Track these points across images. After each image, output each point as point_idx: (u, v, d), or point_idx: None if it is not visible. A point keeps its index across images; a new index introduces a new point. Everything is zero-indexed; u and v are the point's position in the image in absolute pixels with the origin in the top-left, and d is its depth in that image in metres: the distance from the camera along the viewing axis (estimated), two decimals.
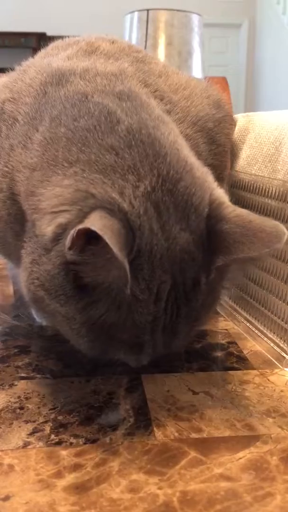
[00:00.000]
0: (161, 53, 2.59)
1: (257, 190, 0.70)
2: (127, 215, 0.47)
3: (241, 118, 0.77)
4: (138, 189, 0.49)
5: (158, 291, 0.49)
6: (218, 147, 0.71)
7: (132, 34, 2.70)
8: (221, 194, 0.54)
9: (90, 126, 0.53)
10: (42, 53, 0.72)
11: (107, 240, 0.42)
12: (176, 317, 0.50)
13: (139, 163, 0.50)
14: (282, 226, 0.47)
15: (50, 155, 0.53)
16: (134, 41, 2.66)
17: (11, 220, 0.60)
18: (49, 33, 5.51)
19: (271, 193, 0.66)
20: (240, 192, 0.74)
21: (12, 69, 0.71)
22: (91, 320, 0.49)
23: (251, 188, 0.71)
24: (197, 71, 2.65)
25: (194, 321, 0.52)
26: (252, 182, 0.71)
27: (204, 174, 0.56)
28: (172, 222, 0.50)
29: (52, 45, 0.72)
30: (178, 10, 2.59)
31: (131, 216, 0.47)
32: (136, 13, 2.68)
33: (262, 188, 0.68)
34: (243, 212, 0.51)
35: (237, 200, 0.76)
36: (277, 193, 0.65)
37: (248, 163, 0.72)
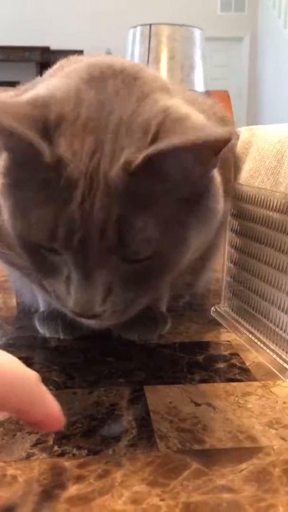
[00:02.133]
0: (163, 67, 2.61)
1: (259, 203, 0.70)
2: (51, 93, 0.50)
3: (244, 132, 0.78)
4: (82, 79, 0.52)
5: (79, 152, 0.48)
6: (223, 161, 0.72)
7: (134, 48, 2.73)
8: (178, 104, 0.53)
9: (90, 60, 0.58)
10: (49, 72, 0.73)
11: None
12: (94, 196, 0.47)
13: (101, 65, 0.54)
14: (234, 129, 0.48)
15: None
16: (136, 55, 2.69)
17: None
18: (53, 47, 5.57)
19: (273, 205, 0.67)
20: (243, 204, 0.75)
21: (17, 83, 0.72)
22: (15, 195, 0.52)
23: (254, 200, 0.72)
24: (199, 85, 2.67)
25: (117, 221, 0.48)
26: (254, 194, 0.72)
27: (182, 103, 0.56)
28: (117, 100, 0.50)
29: (58, 65, 0.73)
30: (180, 25, 2.62)
31: (55, 93, 0.50)
32: (138, 28, 2.71)
33: (264, 201, 0.69)
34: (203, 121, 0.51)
35: (240, 212, 0.77)
36: (279, 206, 0.66)
37: (251, 175, 0.73)
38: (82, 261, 0.49)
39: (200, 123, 0.51)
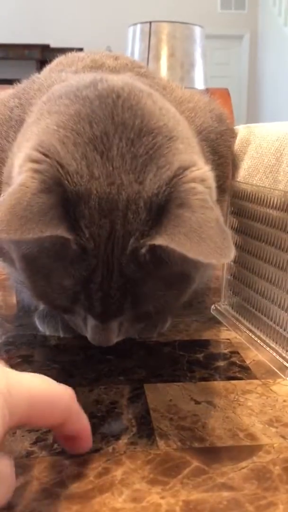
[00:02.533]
0: (163, 65, 2.61)
1: (258, 200, 0.70)
2: (61, 160, 0.48)
3: (242, 130, 0.78)
4: (83, 136, 0.49)
5: (98, 238, 0.49)
6: (220, 158, 0.72)
7: (135, 46, 2.72)
8: (200, 175, 0.50)
9: (81, 82, 0.55)
10: (47, 69, 0.73)
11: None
12: (111, 275, 0.50)
13: (100, 115, 0.50)
14: (233, 251, 0.45)
15: (40, 109, 0.57)
16: (137, 53, 2.68)
17: None
18: (53, 45, 5.57)
19: (273, 203, 0.67)
20: (242, 202, 0.75)
21: (17, 81, 0.72)
22: (30, 265, 0.53)
23: (253, 198, 0.72)
24: (199, 82, 2.67)
25: (131, 294, 0.52)
26: (253, 192, 0.71)
27: (190, 147, 0.54)
28: (124, 170, 0.48)
29: (56, 61, 0.73)
30: (180, 23, 2.62)
31: (64, 160, 0.48)
32: (139, 25, 2.71)
33: (263, 198, 0.69)
34: (210, 215, 0.48)
35: (239, 210, 0.77)
36: (278, 203, 0.65)
37: (249, 173, 0.73)
38: (99, 318, 0.54)
39: (204, 220, 0.47)
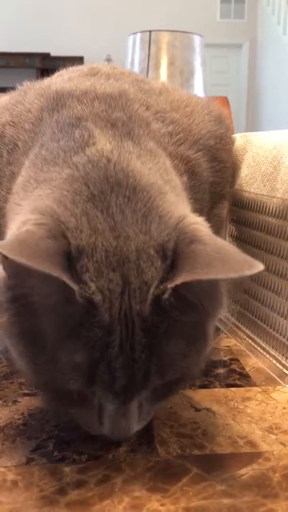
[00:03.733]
0: (163, 73, 2.62)
1: (257, 208, 0.71)
2: (59, 217, 0.46)
3: (238, 138, 0.78)
4: (80, 195, 0.48)
5: (108, 292, 0.44)
6: (219, 163, 0.72)
7: (134, 55, 2.74)
8: (199, 220, 0.50)
9: (66, 147, 0.54)
10: (47, 80, 0.73)
11: (22, 261, 0.40)
12: (132, 334, 0.44)
13: (94, 176, 0.50)
14: (257, 261, 0.44)
15: (26, 177, 0.55)
16: (136, 62, 2.70)
17: None
18: (54, 53, 5.59)
19: (271, 211, 0.67)
20: (240, 210, 0.75)
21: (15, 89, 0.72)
22: (28, 336, 0.46)
23: (251, 206, 0.72)
24: (199, 91, 2.68)
25: (156, 355, 0.45)
26: (251, 200, 0.72)
27: (181, 199, 0.54)
28: (127, 223, 0.47)
29: (56, 74, 0.73)
30: (180, 31, 2.63)
31: (63, 217, 0.46)
32: (138, 34, 2.72)
33: (261, 206, 0.69)
34: (222, 243, 0.47)
35: (237, 218, 0.77)
36: (276, 211, 0.66)
37: (247, 182, 0.73)
38: (121, 396, 0.46)
39: (218, 246, 0.46)
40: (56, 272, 0.41)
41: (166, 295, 0.45)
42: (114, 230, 0.47)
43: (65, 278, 0.41)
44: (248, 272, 0.42)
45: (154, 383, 0.47)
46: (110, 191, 0.49)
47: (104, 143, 0.54)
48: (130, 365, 0.45)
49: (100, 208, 0.48)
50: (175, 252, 0.47)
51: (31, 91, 0.66)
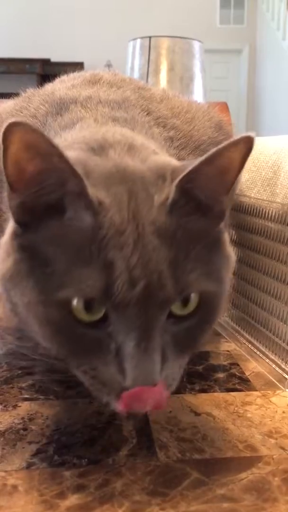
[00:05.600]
0: (163, 79, 2.63)
1: (257, 213, 0.71)
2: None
3: None
4: (81, 149, 0.51)
5: (117, 197, 0.45)
6: None
7: (134, 61, 2.75)
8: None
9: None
10: (49, 85, 0.74)
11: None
12: (143, 236, 0.44)
13: (92, 139, 0.52)
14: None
15: None
16: (136, 67, 2.71)
17: None
18: (54, 59, 5.61)
19: (271, 215, 0.67)
20: (241, 215, 0.76)
21: (17, 95, 0.73)
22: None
23: (251, 211, 0.72)
24: (198, 96, 2.69)
25: (171, 262, 0.44)
26: (252, 205, 0.72)
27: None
28: (127, 160, 0.50)
29: (58, 80, 0.74)
30: (179, 37, 2.64)
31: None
32: (138, 40, 2.73)
33: (261, 211, 0.70)
34: None
35: (237, 223, 0.77)
36: (276, 216, 0.66)
37: (247, 186, 0.73)
38: (140, 318, 0.44)
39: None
40: (72, 168, 0.42)
41: (172, 194, 0.46)
42: (115, 162, 0.49)
43: (79, 176, 0.43)
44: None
45: (173, 300, 0.45)
46: (109, 146, 0.51)
47: (100, 129, 0.56)
48: (148, 267, 0.44)
49: (100, 154, 0.50)
50: (172, 173, 0.48)
51: (36, 97, 0.67)
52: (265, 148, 0.72)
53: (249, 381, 0.64)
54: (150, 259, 0.44)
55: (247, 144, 0.45)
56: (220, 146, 0.45)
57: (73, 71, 0.76)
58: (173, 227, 0.46)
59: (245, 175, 0.74)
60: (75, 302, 0.44)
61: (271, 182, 0.68)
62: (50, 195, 0.45)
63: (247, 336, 0.74)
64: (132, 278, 0.43)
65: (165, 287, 0.44)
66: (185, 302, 0.47)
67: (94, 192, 0.44)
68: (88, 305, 0.44)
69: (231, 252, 0.54)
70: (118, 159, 0.50)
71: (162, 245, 0.45)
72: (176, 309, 0.46)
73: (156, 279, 0.44)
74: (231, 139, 0.45)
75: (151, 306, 0.44)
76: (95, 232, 0.44)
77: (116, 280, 0.43)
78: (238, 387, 0.63)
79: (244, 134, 0.45)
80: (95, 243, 0.44)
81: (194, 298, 0.47)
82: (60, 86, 0.68)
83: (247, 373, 0.66)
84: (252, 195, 0.72)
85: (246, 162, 0.47)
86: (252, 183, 0.72)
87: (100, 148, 0.51)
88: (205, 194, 0.48)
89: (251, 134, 0.45)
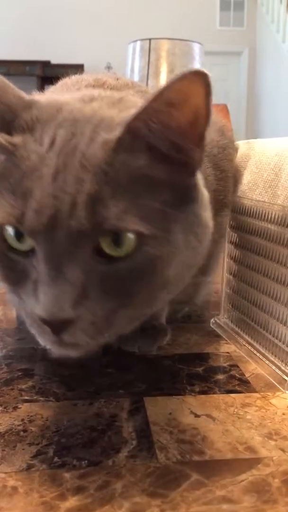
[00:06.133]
0: (163, 81, 2.64)
1: (257, 215, 0.71)
2: None
3: (242, 145, 0.79)
4: None
5: (55, 132, 0.49)
6: (222, 172, 0.73)
7: (134, 63, 2.75)
8: None
9: None
10: (51, 89, 0.74)
11: None
12: (71, 168, 0.46)
13: None
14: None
15: None
16: (136, 69, 2.71)
17: None
18: (54, 61, 5.63)
19: (272, 217, 0.67)
20: (242, 217, 0.76)
21: None
22: None
23: (252, 213, 0.72)
24: None
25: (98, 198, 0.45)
26: (253, 207, 0.72)
27: None
28: (92, 109, 0.52)
29: (60, 82, 0.74)
30: (179, 39, 2.65)
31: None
32: (138, 42, 2.74)
33: (262, 213, 0.70)
34: None
35: (238, 225, 0.77)
36: (277, 218, 0.66)
37: (249, 188, 0.74)
38: (51, 247, 0.45)
39: None
40: None
41: (118, 133, 0.46)
42: (80, 111, 0.51)
43: None
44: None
45: (88, 233, 0.45)
46: (97, 98, 0.55)
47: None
48: (59, 197, 0.45)
49: (82, 102, 0.53)
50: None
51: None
52: (267, 150, 0.72)
53: (249, 382, 0.64)
54: (66, 190, 0.45)
55: (197, 76, 0.44)
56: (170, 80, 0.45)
57: (74, 73, 0.76)
58: (111, 164, 0.46)
59: (247, 177, 0.74)
60: (7, 231, 0.47)
61: (272, 184, 0.68)
62: None
63: (247, 337, 0.74)
64: (42, 206, 0.45)
65: (77, 218, 0.45)
66: (118, 241, 0.46)
67: (9, 138, 0.48)
68: (19, 235, 0.47)
69: (207, 219, 0.54)
70: (87, 106, 0.52)
71: (87, 178, 0.45)
72: (108, 247, 0.46)
73: (68, 209, 0.45)
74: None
75: (62, 236, 0.45)
76: (16, 166, 0.47)
77: (28, 208, 0.45)
78: (238, 388, 0.63)
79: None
80: (17, 175, 0.47)
81: (129, 239, 0.46)
82: (65, 94, 0.68)
83: (247, 375, 0.66)
84: (254, 197, 0.72)
85: (210, 103, 0.46)
86: (254, 184, 0.72)
87: (88, 100, 0.53)
88: (158, 135, 0.47)
89: (203, 69, 0.44)
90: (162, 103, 0.46)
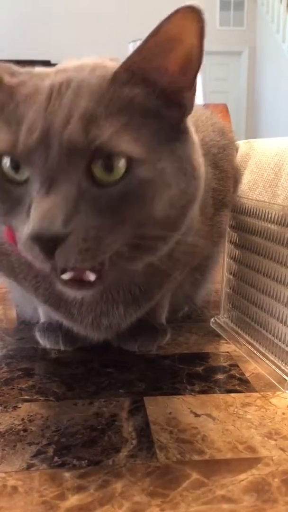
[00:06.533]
0: None
1: (258, 215, 0.71)
2: None
3: (242, 145, 0.79)
4: None
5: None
6: (221, 172, 0.73)
7: None
8: None
9: None
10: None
11: None
12: (64, 94, 0.49)
13: None
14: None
15: None
16: None
17: None
18: (53, 60, 5.61)
19: (271, 217, 0.67)
20: (242, 216, 0.76)
21: None
22: None
23: (252, 212, 0.72)
24: (198, 98, 2.69)
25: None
26: (253, 206, 0.72)
27: None
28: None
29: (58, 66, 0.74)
30: None
31: None
32: (138, 42, 2.73)
33: (262, 213, 0.70)
34: None
35: (238, 224, 0.77)
36: (277, 218, 0.66)
37: (249, 188, 0.74)
38: (43, 164, 0.47)
39: None
40: None
41: (115, 70, 0.50)
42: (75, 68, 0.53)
43: None
44: None
45: (81, 148, 0.47)
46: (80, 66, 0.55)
47: None
48: (52, 115, 0.47)
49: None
50: None
51: None
52: (267, 150, 0.72)
53: (249, 382, 0.64)
54: (59, 109, 0.48)
55: (191, 13, 0.47)
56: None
57: None
58: (107, 91, 0.49)
59: (248, 176, 0.74)
60: (4, 162, 0.49)
61: (272, 183, 0.68)
62: None
63: (247, 337, 0.74)
64: (34, 125, 0.47)
65: (70, 131, 0.47)
66: (109, 166, 0.48)
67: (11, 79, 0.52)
68: (15, 165, 0.49)
69: (197, 161, 0.56)
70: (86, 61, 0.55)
71: (82, 100, 0.48)
72: (99, 172, 0.48)
73: (61, 124, 0.47)
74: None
75: (55, 151, 0.47)
76: (12, 99, 0.49)
77: (22, 131, 0.48)
78: (238, 388, 0.63)
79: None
80: (12, 105, 0.49)
81: (119, 164, 0.48)
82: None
83: (247, 374, 0.66)
84: (254, 196, 0.72)
85: (203, 43, 0.49)
86: (254, 184, 0.72)
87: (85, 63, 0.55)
88: (154, 72, 0.50)
89: (197, 5, 0.47)
90: (158, 41, 0.48)
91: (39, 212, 0.46)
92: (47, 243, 0.47)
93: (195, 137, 0.57)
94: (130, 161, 0.48)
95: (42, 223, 0.46)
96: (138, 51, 0.49)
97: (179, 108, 0.53)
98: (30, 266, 0.62)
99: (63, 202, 0.46)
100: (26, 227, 0.48)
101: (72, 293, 0.57)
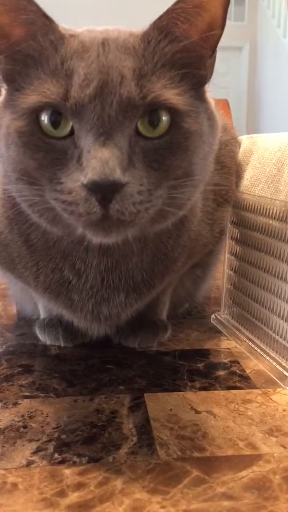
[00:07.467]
0: None
1: (259, 211, 0.71)
2: None
3: (245, 140, 0.79)
4: None
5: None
6: (223, 168, 0.73)
7: None
8: None
9: None
10: None
11: None
12: (111, 50, 0.51)
13: None
14: None
15: None
16: None
17: None
18: None
19: (273, 213, 0.67)
20: (243, 212, 0.75)
21: None
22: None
23: (254, 208, 0.72)
24: None
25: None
26: (255, 202, 0.72)
27: None
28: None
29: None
30: None
31: None
32: None
33: (264, 209, 0.69)
34: None
35: (240, 220, 0.77)
36: (279, 214, 0.66)
37: (252, 183, 0.73)
38: (99, 116, 0.49)
39: None
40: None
41: (147, 28, 0.53)
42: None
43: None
44: None
45: (136, 103, 0.49)
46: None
47: None
48: (106, 69, 0.50)
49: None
50: None
51: None
52: (269, 145, 0.71)
53: (249, 379, 0.64)
54: (111, 65, 0.50)
55: None
56: None
57: None
58: (145, 49, 0.52)
59: (250, 172, 0.74)
60: (42, 117, 0.50)
61: (275, 179, 0.67)
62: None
63: (247, 334, 0.74)
64: (88, 79, 0.49)
65: (127, 86, 0.49)
66: (156, 122, 0.51)
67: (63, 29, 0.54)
68: (55, 121, 0.50)
69: (217, 117, 0.59)
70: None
71: (128, 57, 0.51)
72: (144, 129, 0.51)
73: (117, 80, 0.49)
74: None
75: (112, 104, 0.49)
76: (60, 49, 0.51)
77: (74, 84, 0.49)
78: (239, 385, 0.62)
79: None
80: (59, 57, 0.51)
81: (164, 118, 0.51)
82: None
83: (247, 371, 0.66)
84: (257, 192, 0.71)
85: (227, 10, 0.56)
86: (256, 180, 0.72)
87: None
88: (181, 35, 0.53)
89: None
90: (185, 7, 0.52)
91: (98, 160, 0.47)
92: (107, 189, 0.48)
93: (211, 100, 0.59)
94: (176, 115, 0.51)
95: (103, 169, 0.47)
96: (166, 13, 0.52)
97: (200, 77, 0.55)
98: (31, 253, 0.64)
99: (120, 154, 0.48)
100: (80, 176, 0.48)
101: (100, 238, 0.54)
